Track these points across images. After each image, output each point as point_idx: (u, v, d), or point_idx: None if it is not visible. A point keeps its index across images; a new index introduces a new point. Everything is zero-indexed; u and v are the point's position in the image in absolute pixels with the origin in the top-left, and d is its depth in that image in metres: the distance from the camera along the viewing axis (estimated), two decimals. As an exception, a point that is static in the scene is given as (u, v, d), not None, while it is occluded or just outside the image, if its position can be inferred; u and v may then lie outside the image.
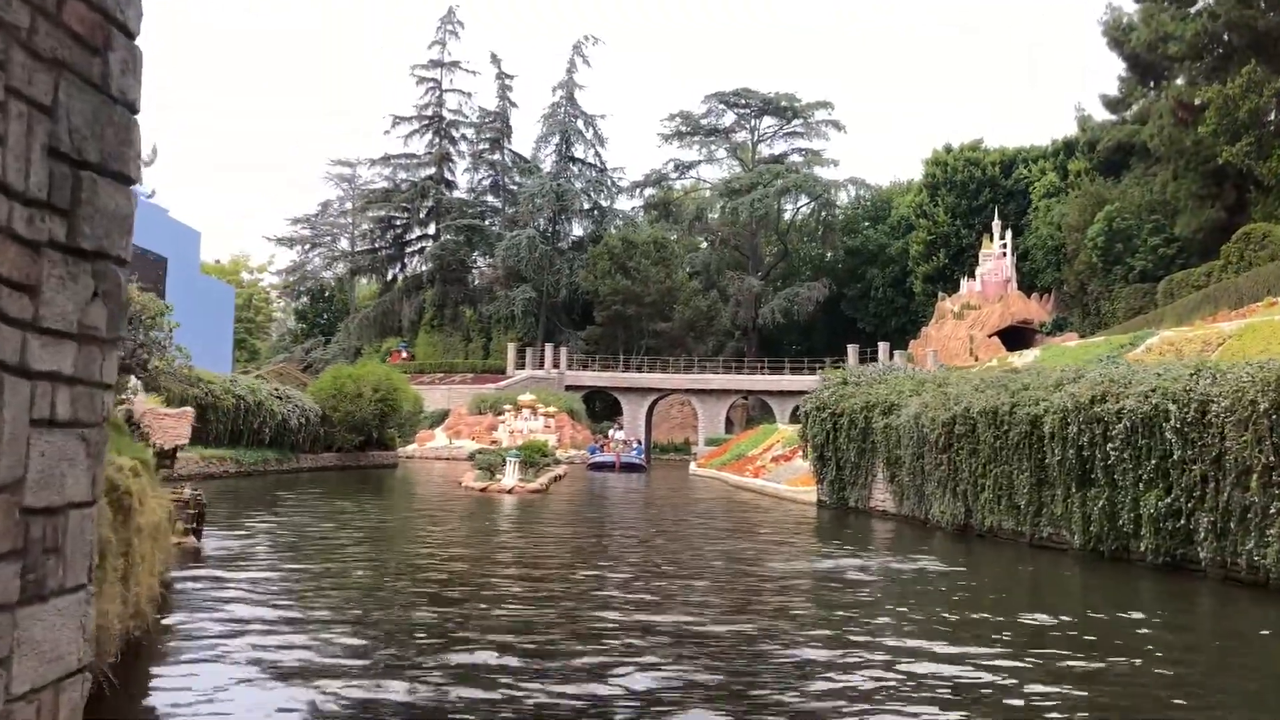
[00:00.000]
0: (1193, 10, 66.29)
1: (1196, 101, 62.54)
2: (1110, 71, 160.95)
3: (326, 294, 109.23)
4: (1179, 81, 68.47)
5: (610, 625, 10.07)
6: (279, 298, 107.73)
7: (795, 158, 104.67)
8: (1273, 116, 61.43)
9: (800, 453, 35.76)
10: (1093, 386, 14.82)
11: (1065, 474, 15.34)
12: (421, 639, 9.20)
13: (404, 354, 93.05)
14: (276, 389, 40.88)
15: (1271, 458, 12.08)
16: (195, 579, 12.34)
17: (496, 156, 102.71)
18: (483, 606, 11.05)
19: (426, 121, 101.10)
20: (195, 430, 36.81)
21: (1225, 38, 62.97)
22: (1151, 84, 74.71)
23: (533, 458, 35.47)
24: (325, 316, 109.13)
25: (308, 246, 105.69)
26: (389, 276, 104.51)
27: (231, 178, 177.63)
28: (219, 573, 13.02)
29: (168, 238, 49.61)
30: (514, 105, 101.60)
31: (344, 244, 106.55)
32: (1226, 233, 60.56)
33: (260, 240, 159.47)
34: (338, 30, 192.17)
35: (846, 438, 24.11)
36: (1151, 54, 68.54)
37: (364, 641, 9.05)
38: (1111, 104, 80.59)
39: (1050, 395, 15.92)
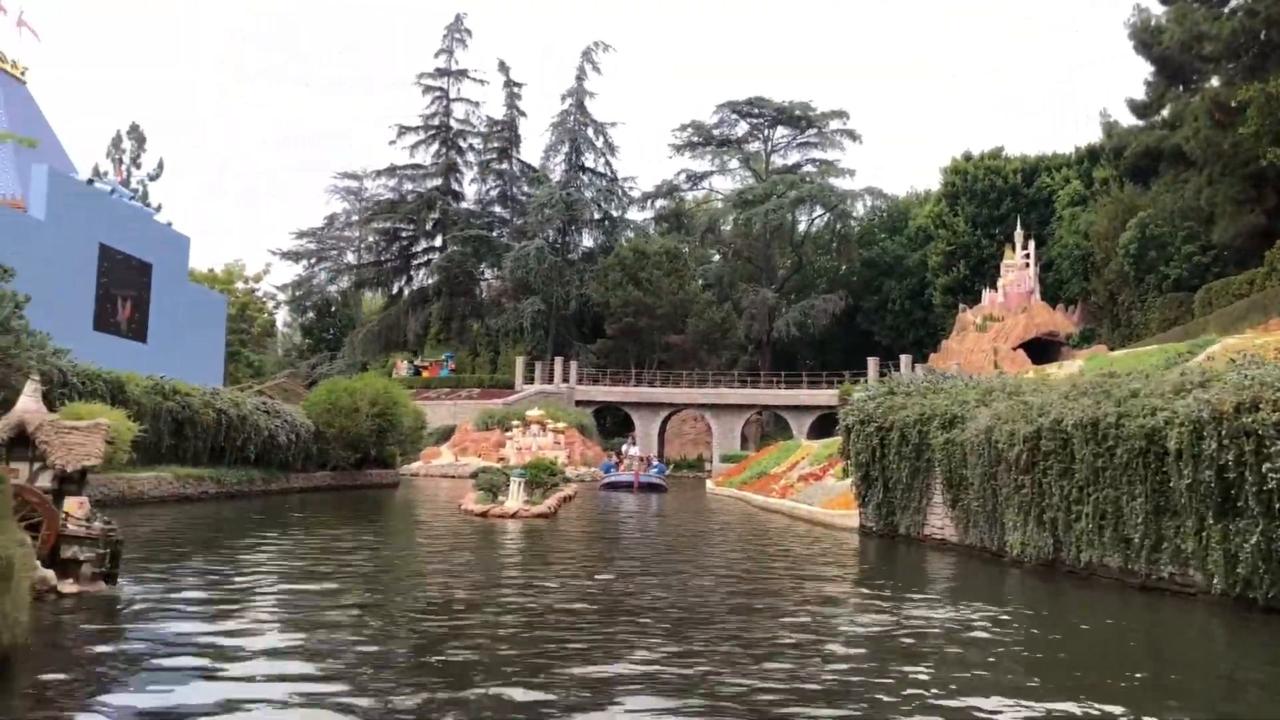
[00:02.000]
0: (1227, 9, 63.49)
1: (1235, 102, 59.52)
2: (1136, 76, 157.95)
3: (332, 309, 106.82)
4: (1214, 82, 65.54)
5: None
6: (279, 310, 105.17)
7: (809, 168, 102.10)
8: (1318, 116, 58.34)
9: (831, 471, 32.77)
10: (1238, 392, 11.85)
11: (1199, 501, 12.32)
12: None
13: (448, 364, 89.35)
14: (264, 403, 38.05)
15: None
16: (63, 642, 9.56)
17: (504, 166, 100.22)
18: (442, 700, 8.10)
19: (433, 131, 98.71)
20: (171, 448, 34.34)
21: (1264, 35, 60.11)
22: (1182, 86, 71.76)
23: (539, 477, 32.50)
24: (331, 331, 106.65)
25: (313, 260, 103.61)
26: (395, 290, 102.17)
27: (232, 189, 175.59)
28: (102, 627, 10.25)
29: (154, 242, 47.02)
30: (523, 114, 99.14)
31: (350, 258, 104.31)
32: (1268, 239, 57.51)
33: (263, 253, 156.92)
34: (342, 38, 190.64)
35: (897, 455, 21.12)
36: (1184, 54, 65.69)
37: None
38: (1139, 108, 77.51)
39: (1172, 403, 12.94)
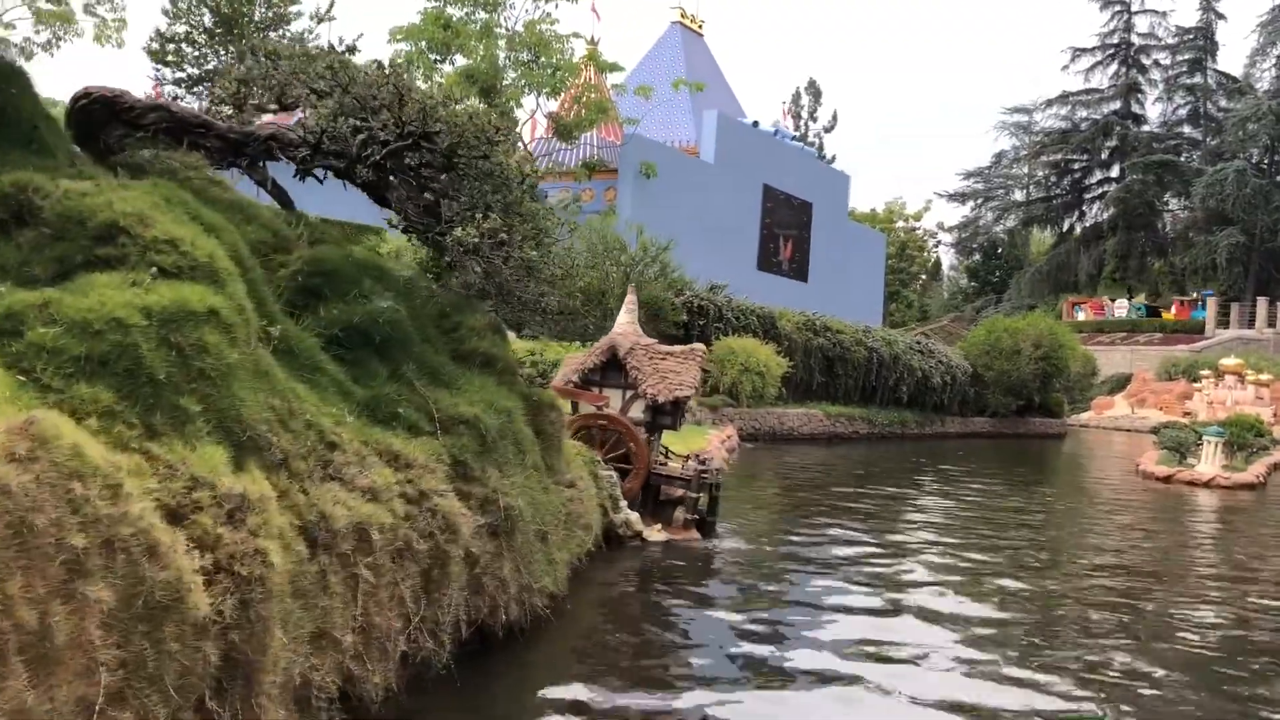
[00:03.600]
0: None
1: None
2: None
3: (998, 250, 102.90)
4: None
5: None
6: (937, 249, 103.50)
7: None
8: None
9: None
10: None
11: None
12: None
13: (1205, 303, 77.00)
14: (917, 342, 36.11)
15: None
16: (617, 601, 7.99)
17: (1196, 80, 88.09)
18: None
19: (1111, 50, 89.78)
20: (822, 385, 33.67)
21: None
22: None
23: (1242, 437, 26.56)
24: (997, 274, 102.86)
25: (979, 201, 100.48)
26: (1064, 227, 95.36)
27: (895, 133, 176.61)
28: (678, 585, 8.57)
29: (814, 181, 47.18)
30: (1220, 17, 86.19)
31: (1017, 196, 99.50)
32: None
33: (924, 191, 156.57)
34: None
35: None
36: None
37: None
38: None
39: None
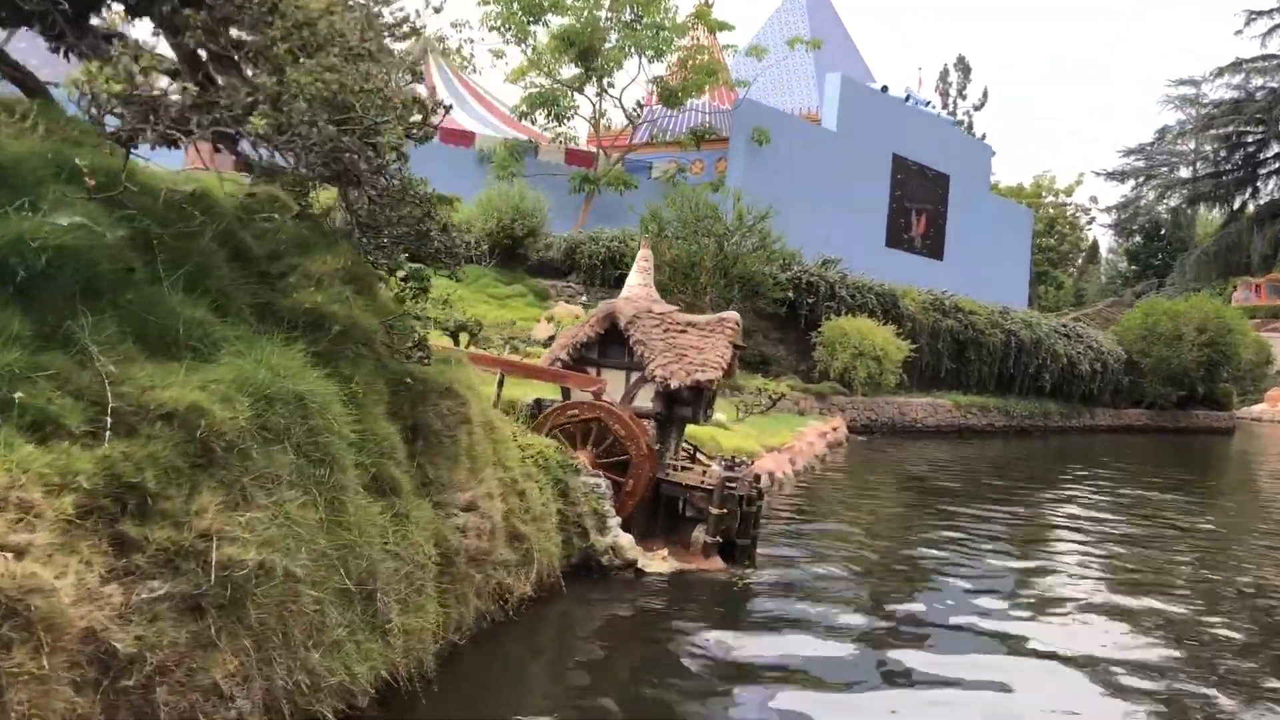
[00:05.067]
0: None
1: None
2: None
3: (1161, 231, 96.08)
4: None
5: None
6: (1089, 228, 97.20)
7: None
8: None
9: None
10: None
11: None
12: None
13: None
14: (1062, 325, 32.37)
15: None
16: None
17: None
18: None
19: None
20: (951, 372, 30.23)
21: None
22: None
23: None
24: (1159, 256, 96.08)
25: (1140, 179, 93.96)
26: (1235, 205, 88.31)
27: (1046, 110, 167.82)
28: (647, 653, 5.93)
29: (952, 152, 43.32)
30: None
31: (1183, 172, 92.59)
32: None
33: (1074, 168, 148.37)
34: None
35: None
36: None
37: None
38: None
39: None
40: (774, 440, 15.05)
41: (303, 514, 4.18)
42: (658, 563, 7.78)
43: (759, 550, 8.53)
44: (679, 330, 8.44)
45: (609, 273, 24.26)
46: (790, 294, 25.25)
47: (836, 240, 31.78)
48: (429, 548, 5.14)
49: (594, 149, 33.50)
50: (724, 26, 34.26)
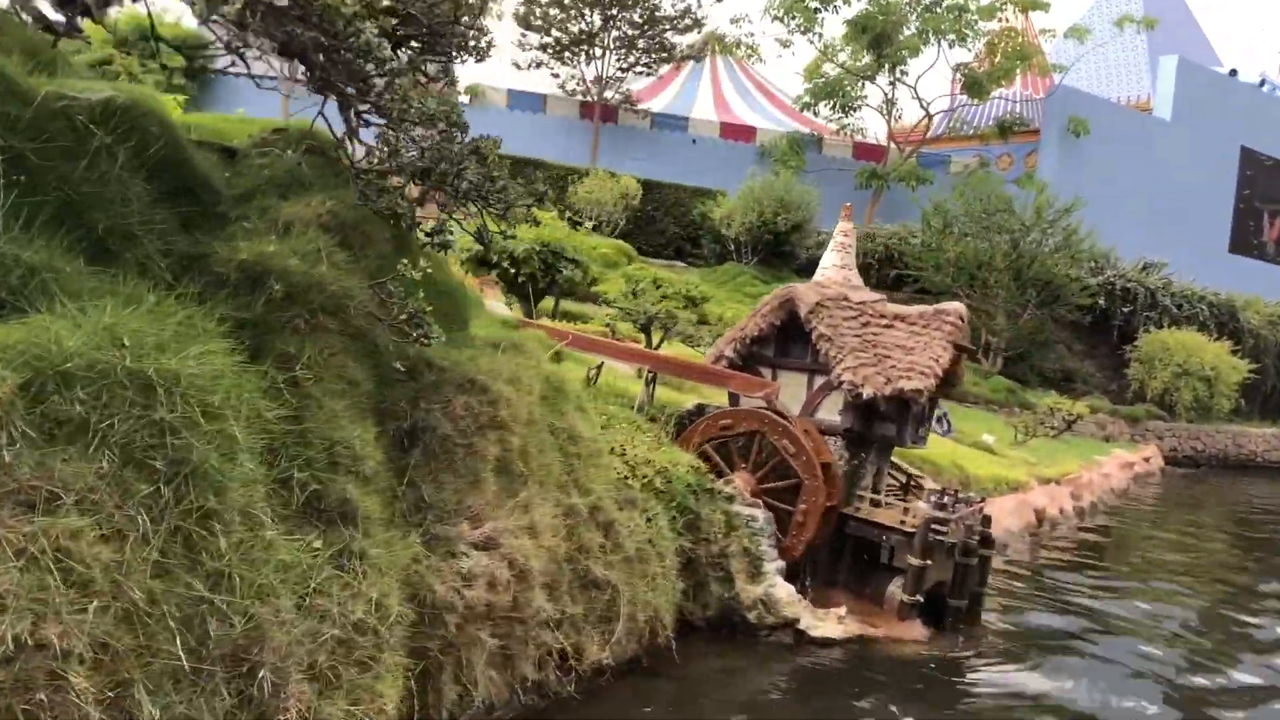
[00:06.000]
0: None
1: None
2: None
3: None
4: None
5: None
6: None
7: None
8: None
9: None
10: None
11: None
12: None
13: None
14: None
15: None
16: None
17: None
18: None
19: None
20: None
21: None
22: None
23: None
24: None
25: None
26: None
27: None
28: None
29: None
30: None
31: None
32: None
33: None
34: None
35: None
36: None
37: None
38: None
39: None
40: (1053, 470, 12.43)
41: (97, 551, 2.68)
42: (830, 624, 5.81)
43: (986, 615, 6.35)
44: (883, 324, 6.42)
45: (884, 272, 22.08)
46: (1100, 300, 22.03)
47: (1164, 243, 27.82)
48: (392, 601, 3.56)
49: (886, 143, 31.16)
50: (1039, 5, 30.90)
